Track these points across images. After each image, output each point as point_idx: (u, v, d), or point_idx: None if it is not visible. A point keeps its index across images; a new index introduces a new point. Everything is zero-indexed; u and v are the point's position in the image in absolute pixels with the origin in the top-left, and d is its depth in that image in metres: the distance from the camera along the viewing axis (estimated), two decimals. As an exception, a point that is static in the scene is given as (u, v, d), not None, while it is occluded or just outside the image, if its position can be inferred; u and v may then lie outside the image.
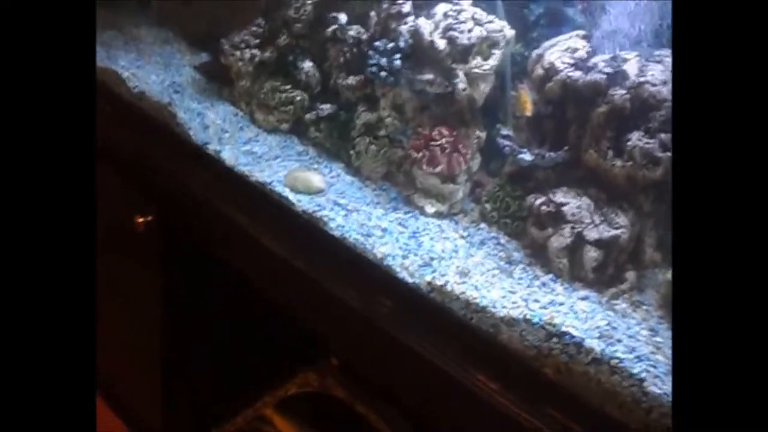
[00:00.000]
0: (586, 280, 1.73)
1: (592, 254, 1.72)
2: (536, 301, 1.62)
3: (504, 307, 1.59)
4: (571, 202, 1.74)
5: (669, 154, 1.63)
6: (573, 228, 1.73)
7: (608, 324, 1.57)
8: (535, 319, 1.55)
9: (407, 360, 1.67)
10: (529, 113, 1.82)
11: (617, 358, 1.48)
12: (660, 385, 1.43)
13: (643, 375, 1.45)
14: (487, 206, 1.90)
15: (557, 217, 1.75)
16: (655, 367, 1.47)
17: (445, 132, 1.84)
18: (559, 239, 1.74)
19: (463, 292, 1.63)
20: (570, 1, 1.91)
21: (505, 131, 1.85)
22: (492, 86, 1.89)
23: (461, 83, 1.83)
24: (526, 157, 1.78)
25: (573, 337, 1.51)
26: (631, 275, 1.77)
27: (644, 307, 1.71)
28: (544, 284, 1.71)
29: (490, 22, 1.85)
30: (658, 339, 1.58)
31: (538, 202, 1.77)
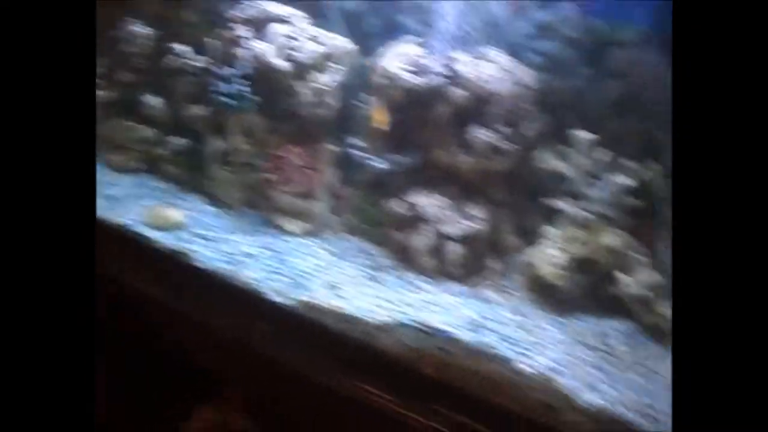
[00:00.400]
0: (453, 275, 1.79)
1: (453, 249, 1.78)
2: (408, 304, 1.65)
3: (376, 314, 1.62)
4: (428, 202, 1.79)
5: (514, 145, 1.71)
6: (433, 227, 1.78)
7: (478, 314, 1.63)
8: (408, 321, 1.58)
9: (291, 380, 1.67)
10: (386, 127, 1.85)
11: (490, 345, 1.53)
12: (532, 363, 1.50)
13: (517, 357, 1.51)
14: (350, 217, 1.92)
15: (417, 219, 1.80)
16: (528, 348, 1.55)
17: (296, 150, 1.86)
18: (421, 239, 1.79)
19: (333, 305, 1.64)
20: (406, 10, 1.95)
21: (356, 142, 1.88)
22: (340, 99, 1.91)
23: (306, 100, 1.85)
24: (379, 164, 1.82)
25: (446, 332, 1.55)
26: (494, 264, 1.85)
27: (510, 291, 1.80)
28: (413, 285, 1.75)
29: (330, 38, 1.87)
30: (524, 320, 1.66)
31: (396, 206, 1.82)
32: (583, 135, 1.80)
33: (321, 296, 1.68)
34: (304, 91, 1.86)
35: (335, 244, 1.90)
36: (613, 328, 1.71)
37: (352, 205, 1.93)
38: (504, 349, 1.54)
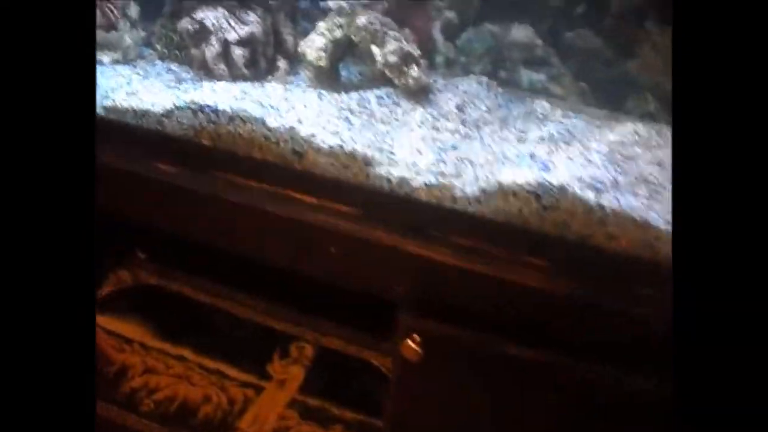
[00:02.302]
0: (244, 76, 2.07)
1: (238, 52, 2.05)
2: (186, 92, 1.93)
3: (161, 105, 1.90)
4: (209, 15, 2.07)
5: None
6: (217, 36, 2.06)
7: (243, 93, 1.91)
8: (182, 104, 1.86)
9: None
10: None
11: (245, 110, 1.82)
12: (279, 120, 1.80)
13: (265, 117, 1.81)
14: (158, 46, 2.20)
15: (203, 31, 2.07)
16: (277, 110, 1.85)
17: (95, -13, 2.12)
18: (210, 49, 2.07)
19: (129, 105, 1.93)
20: None
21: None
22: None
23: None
24: (166, -10, 2.09)
25: (211, 107, 1.84)
26: (282, 63, 2.13)
27: (294, 84, 2.08)
28: (209, 89, 2.02)
29: None
30: (290, 95, 1.94)
31: (186, 23, 2.09)
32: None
33: (120, 100, 1.95)
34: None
35: (147, 69, 2.17)
36: (375, 94, 1.97)
37: (159, 34, 2.19)
38: (260, 113, 1.82)
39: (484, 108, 2.03)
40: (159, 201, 1.92)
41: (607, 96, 2.16)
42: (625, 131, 1.97)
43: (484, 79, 2.18)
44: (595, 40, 2.16)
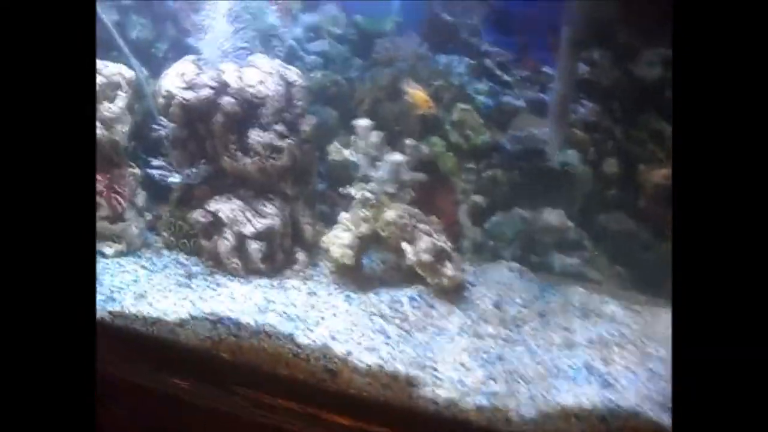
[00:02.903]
0: (260, 271, 1.90)
1: (254, 246, 1.90)
2: (202, 299, 1.76)
3: (174, 312, 1.71)
4: (224, 207, 1.92)
5: (288, 140, 1.85)
6: (232, 229, 1.90)
7: (266, 301, 1.75)
8: (199, 314, 1.68)
9: (108, 384, 1.74)
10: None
11: (270, 324, 1.65)
12: (309, 335, 1.63)
13: (294, 332, 1.63)
14: (165, 234, 2.04)
15: (217, 224, 1.92)
16: (305, 321, 1.68)
17: (98, 177, 1.97)
18: (224, 242, 1.91)
19: (139, 311, 1.74)
20: (190, 31, 2.09)
21: (155, 161, 2.00)
22: (133, 124, 2.03)
23: (98, 129, 1.97)
24: (177, 179, 1.94)
25: (232, 320, 1.66)
26: (301, 255, 1.97)
27: (315, 278, 1.92)
28: (220, 285, 1.85)
29: (106, 66, 2.00)
30: (317, 300, 1.78)
31: (198, 215, 1.93)
32: (363, 122, 1.95)
33: (128, 305, 1.76)
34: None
35: (153, 260, 2.00)
36: (407, 295, 1.82)
37: (166, 222, 2.03)
38: (283, 326, 1.64)
39: (519, 301, 1.90)
40: (172, 417, 1.71)
41: (647, 280, 2.04)
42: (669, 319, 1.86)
43: (516, 265, 2.06)
44: (629, 222, 2.05)
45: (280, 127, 1.86)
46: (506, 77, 2.12)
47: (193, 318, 1.69)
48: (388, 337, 1.67)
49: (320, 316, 1.71)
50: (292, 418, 1.63)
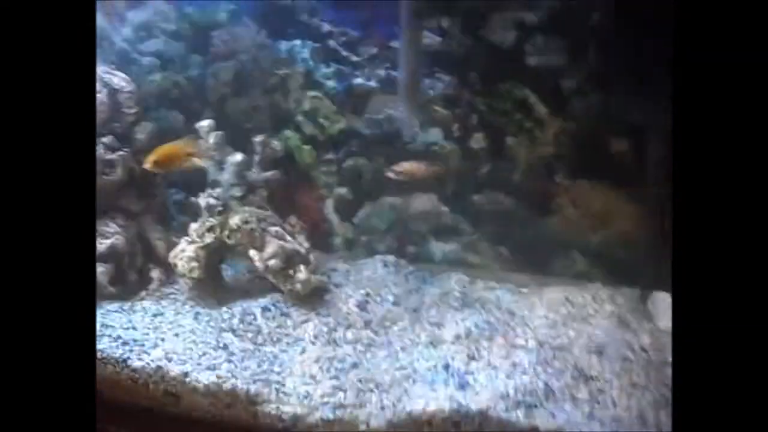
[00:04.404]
0: (112, 295, 1.77)
1: (99, 270, 1.76)
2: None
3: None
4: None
5: (120, 152, 1.72)
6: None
7: (102, 327, 1.62)
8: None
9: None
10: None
11: (99, 350, 1.53)
12: (144, 357, 1.51)
13: (129, 356, 1.51)
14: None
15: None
16: (142, 344, 1.56)
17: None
18: (68, 268, 1.77)
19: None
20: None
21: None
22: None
23: None
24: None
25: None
26: (155, 273, 1.83)
27: (172, 296, 1.79)
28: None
29: None
30: (162, 319, 1.66)
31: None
32: (203, 123, 1.82)
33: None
34: None
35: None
36: (260, 305, 1.70)
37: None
38: (113, 350, 1.53)
39: (391, 298, 1.78)
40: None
41: (530, 259, 1.91)
42: (556, 301, 1.74)
43: (391, 258, 1.93)
44: (506, 200, 1.92)
45: (107, 140, 1.71)
46: (354, 57, 1.97)
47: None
48: (232, 354, 1.55)
49: (160, 338, 1.59)
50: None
